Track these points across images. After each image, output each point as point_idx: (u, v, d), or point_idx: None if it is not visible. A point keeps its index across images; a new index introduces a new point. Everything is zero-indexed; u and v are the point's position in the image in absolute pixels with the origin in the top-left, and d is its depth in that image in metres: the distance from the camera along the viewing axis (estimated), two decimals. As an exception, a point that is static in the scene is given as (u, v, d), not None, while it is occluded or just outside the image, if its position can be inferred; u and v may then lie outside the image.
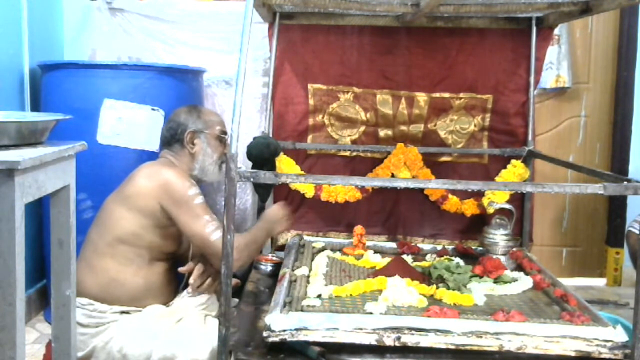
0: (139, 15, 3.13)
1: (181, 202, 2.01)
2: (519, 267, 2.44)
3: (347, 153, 2.86)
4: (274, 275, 2.37)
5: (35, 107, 2.86)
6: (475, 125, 2.83)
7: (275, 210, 2.31)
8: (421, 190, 2.81)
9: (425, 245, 2.73)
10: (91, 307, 2.02)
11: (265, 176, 1.76)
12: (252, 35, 1.75)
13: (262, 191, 2.68)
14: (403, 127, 2.83)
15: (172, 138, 2.23)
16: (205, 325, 2.02)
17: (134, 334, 1.98)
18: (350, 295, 2.03)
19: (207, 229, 2.00)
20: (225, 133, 2.29)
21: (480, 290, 2.08)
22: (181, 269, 2.13)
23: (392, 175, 2.75)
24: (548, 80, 3.36)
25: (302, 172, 2.79)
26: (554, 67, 3.36)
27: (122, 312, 2.04)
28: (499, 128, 2.83)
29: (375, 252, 2.57)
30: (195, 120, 2.23)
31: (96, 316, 2.01)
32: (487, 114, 2.82)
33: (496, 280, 2.21)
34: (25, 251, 1.36)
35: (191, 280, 2.08)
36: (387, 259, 2.40)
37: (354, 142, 2.86)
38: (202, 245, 2.03)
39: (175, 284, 2.21)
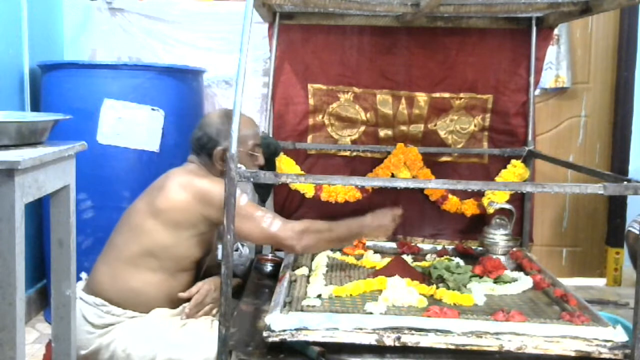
0: (139, 15, 3.13)
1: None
2: (519, 267, 2.44)
3: (347, 153, 2.86)
4: (274, 275, 2.37)
5: (35, 107, 2.85)
6: (475, 125, 2.83)
7: (376, 217, 2.22)
8: (421, 190, 2.81)
9: (425, 245, 2.74)
10: (105, 309, 1.99)
11: (265, 176, 1.76)
12: (252, 35, 1.75)
13: (262, 191, 2.69)
14: (403, 127, 2.83)
15: (202, 149, 2.13)
16: (212, 329, 1.99)
17: (139, 335, 1.97)
18: (350, 295, 2.03)
19: (264, 224, 1.96)
20: (258, 146, 2.20)
21: (480, 290, 2.08)
22: (181, 295, 2.06)
23: (392, 175, 2.75)
24: (547, 80, 3.36)
25: (302, 172, 2.79)
26: (554, 67, 3.36)
27: (134, 317, 2.02)
28: (499, 128, 2.83)
29: (375, 252, 2.58)
30: (227, 136, 2.01)
31: (107, 318, 1.99)
32: (487, 114, 2.82)
33: (496, 280, 2.21)
34: (25, 251, 1.36)
35: (187, 310, 2.04)
36: (387, 259, 2.40)
37: (354, 142, 2.86)
38: (267, 241, 2.00)
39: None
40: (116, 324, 1.99)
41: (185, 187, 2.00)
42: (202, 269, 2.19)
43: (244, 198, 1.99)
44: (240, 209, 1.92)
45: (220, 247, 2.37)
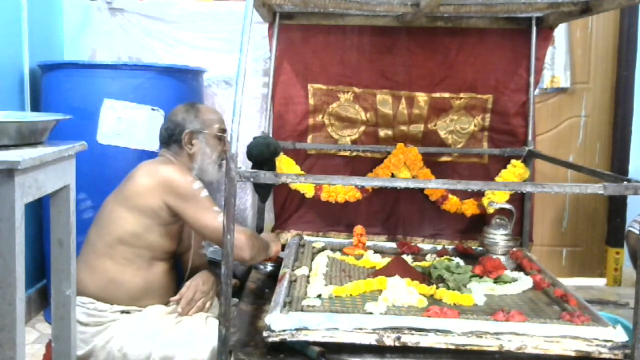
0: (139, 15, 3.13)
1: (187, 197, 2.00)
2: (519, 267, 2.43)
3: (347, 153, 2.86)
4: (274, 275, 2.37)
5: (35, 107, 2.86)
6: (475, 125, 2.83)
7: (277, 243, 2.46)
8: (421, 190, 2.81)
9: (425, 245, 2.73)
10: (92, 306, 2.02)
11: (265, 176, 1.76)
12: (252, 35, 1.75)
13: (262, 191, 2.69)
14: (403, 127, 2.83)
15: (170, 138, 2.21)
16: (206, 325, 2.01)
17: (134, 333, 1.98)
18: (350, 295, 2.02)
19: (219, 220, 1.98)
20: (224, 131, 2.27)
21: (480, 290, 2.08)
22: (172, 299, 2.09)
23: (392, 175, 2.75)
24: (544, 80, 3.37)
25: (302, 172, 2.79)
26: (549, 67, 3.36)
27: (123, 312, 2.04)
28: (499, 128, 2.83)
29: (375, 252, 2.57)
30: (193, 120, 2.20)
31: (96, 315, 2.01)
32: (487, 114, 2.82)
33: (496, 280, 2.21)
34: (25, 251, 1.36)
35: (179, 309, 2.06)
36: (387, 259, 2.39)
37: (354, 142, 2.86)
38: (216, 236, 2.02)
39: (175, 284, 2.20)
40: (106, 321, 2.01)
41: (150, 173, 2.05)
42: (186, 267, 2.22)
43: (204, 191, 2.05)
44: (200, 200, 2.00)
45: (205, 245, 2.39)
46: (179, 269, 2.28)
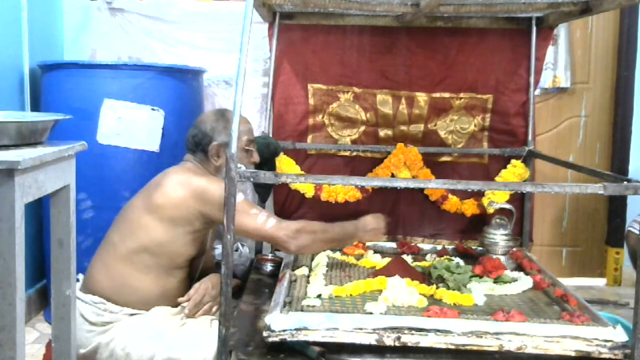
0: (139, 15, 3.13)
1: (223, 205, 1.98)
2: (519, 267, 2.44)
3: (347, 153, 2.86)
4: (274, 275, 2.37)
5: (35, 107, 2.85)
6: (475, 125, 2.83)
7: (370, 220, 2.22)
8: (421, 190, 2.81)
9: (425, 245, 2.74)
10: (102, 307, 2.00)
11: (265, 176, 1.76)
12: (252, 35, 1.75)
13: (262, 191, 2.69)
14: (403, 127, 2.83)
15: (197, 147, 2.15)
16: (211, 328, 1.99)
17: (138, 333, 1.97)
18: (350, 295, 2.03)
19: (260, 221, 1.98)
20: (252, 142, 2.22)
21: (480, 290, 2.08)
22: (180, 300, 2.07)
23: (392, 175, 2.75)
24: (546, 80, 3.36)
25: (302, 172, 2.79)
26: (551, 67, 3.36)
27: (132, 314, 2.03)
28: (499, 128, 2.83)
29: (375, 252, 2.57)
30: (221, 132, 2.13)
31: (106, 315, 2.00)
32: (487, 114, 2.82)
33: (496, 280, 2.21)
34: (25, 251, 1.36)
35: (186, 311, 2.04)
36: (387, 259, 2.39)
37: (354, 142, 2.86)
38: (261, 238, 2.02)
39: (188, 289, 2.19)
40: (115, 321, 2.00)
41: (182, 184, 2.01)
42: (197, 269, 2.20)
43: (240, 195, 2.01)
44: (236, 205, 1.95)
45: (218, 248, 2.38)
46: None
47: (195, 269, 2.23)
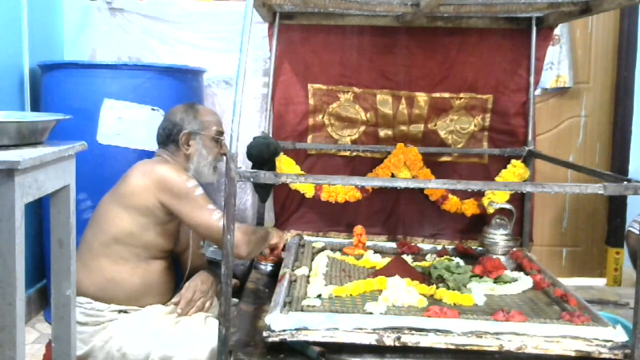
0: (139, 15, 3.12)
1: (181, 195, 2.00)
2: (519, 267, 2.44)
3: (347, 153, 2.86)
4: (274, 275, 2.37)
5: (35, 107, 2.85)
6: (475, 125, 2.83)
7: (274, 235, 2.44)
8: (421, 190, 2.81)
9: (425, 245, 2.73)
10: (89, 306, 2.01)
11: (265, 176, 1.76)
12: (252, 35, 1.75)
13: (262, 191, 2.68)
14: (403, 127, 2.83)
15: (168, 138, 2.20)
16: (205, 325, 2.01)
17: (133, 333, 1.98)
18: (350, 295, 2.03)
19: (214, 217, 1.98)
20: (221, 133, 2.26)
21: (480, 290, 2.08)
22: (172, 301, 2.10)
23: (392, 175, 2.75)
24: (548, 80, 3.37)
25: (302, 172, 2.79)
26: (554, 67, 3.36)
27: (121, 311, 2.04)
28: (499, 128, 2.83)
29: (375, 252, 2.57)
30: (191, 121, 2.19)
31: (94, 314, 2.01)
32: (487, 114, 2.82)
33: (496, 280, 2.21)
34: (25, 251, 1.36)
35: (178, 310, 2.06)
36: (387, 259, 2.40)
37: (354, 142, 2.86)
38: (210, 234, 2.01)
39: (173, 282, 2.20)
40: (105, 321, 2.01)
41: (145, 173, 2.05)
42: (186, 266, 2.22)
43: (199, 189, 2.05)
44: (195, 198, 1.99)
45: (205, 245, 2.39)
46: (178, 269, 2.28)
47: (183, 266, 2.24)
